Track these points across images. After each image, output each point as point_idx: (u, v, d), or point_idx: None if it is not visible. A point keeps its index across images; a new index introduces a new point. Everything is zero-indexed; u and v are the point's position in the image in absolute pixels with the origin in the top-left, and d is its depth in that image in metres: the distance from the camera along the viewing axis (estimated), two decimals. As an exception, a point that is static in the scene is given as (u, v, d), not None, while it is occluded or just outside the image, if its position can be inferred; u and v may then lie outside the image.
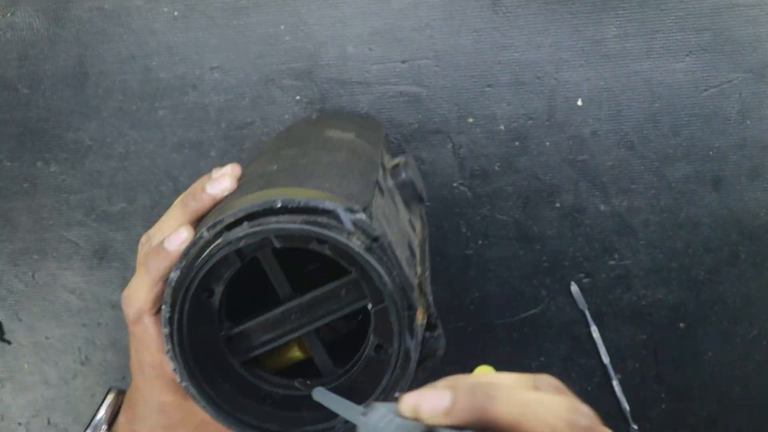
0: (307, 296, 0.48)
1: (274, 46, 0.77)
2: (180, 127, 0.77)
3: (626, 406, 0.78)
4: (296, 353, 0.52)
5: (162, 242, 0.49)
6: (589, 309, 0.78)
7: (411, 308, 0.46)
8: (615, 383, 0.78)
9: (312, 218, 0.44)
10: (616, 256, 0.78)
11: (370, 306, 0.47)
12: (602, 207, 0.78)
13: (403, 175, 0.63)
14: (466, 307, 0.79)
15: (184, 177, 0.77)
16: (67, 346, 0.79)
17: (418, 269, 0.54)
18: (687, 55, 0.77)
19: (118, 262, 0.78)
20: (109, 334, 0.79)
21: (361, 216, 0.45)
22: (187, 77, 0.77)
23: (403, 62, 0.77)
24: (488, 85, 0.77)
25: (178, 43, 0.77)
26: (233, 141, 0.77)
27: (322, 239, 0.44)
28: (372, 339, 0.47)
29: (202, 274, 0.46)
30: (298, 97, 0.77)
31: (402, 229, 0.55)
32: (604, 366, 0.78)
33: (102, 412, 0.56)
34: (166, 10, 0.77)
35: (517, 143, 0.77)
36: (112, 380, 0.79)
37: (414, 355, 0.47)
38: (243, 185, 0.53)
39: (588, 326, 0.78)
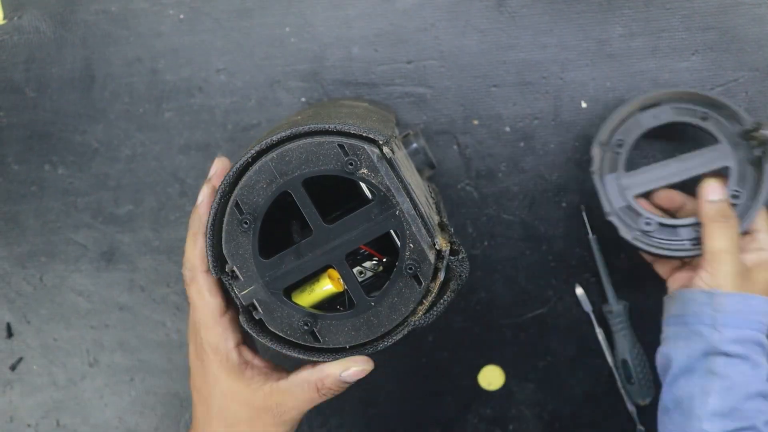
0: (335, 223, 0.51)
1: (279, 48, 0.77)
2: (186, 129, 0.78)
3: (632, 407, 0.78)
4: (328, 286, 0.54)
5: (195, 204, 0.54)
6: (594, 311, 0.78)
7: (430, 234, 0.50)
8: (621, 384, 0.78)
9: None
10: (623, 255, 0.78)
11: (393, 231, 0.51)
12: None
13: (415, 144, 0.68)
14: (472, 307, 0.79)
15: (191, 179, 0.78)
16: (75, 348, 0.79)
17: (441, 215, 0.57)
18: (693, 54, 0.77)
19: (126, 264, 0.79)
20: (117, 335, 0.79)
21: (388, 149, 0.50)
22: (193, 79, 0.77)
23: (409, 63, 0.77)
24: (494, 86, 0.77)
25: (184, 46, 0.77)
26: (240, 142, 0.78)
27: (351, 152, 0.49)
28: (399, 261, 0.50)
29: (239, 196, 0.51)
30: (303, 99, 0.77)
31: (418, 181, 0.58)
32: (611, 366, 0.78)
33: None
34: (171, 12, 0.77)
35: (522, 143, 0.77)
36: (120, 382, 0.79)
37: (440, 275, 0.50)
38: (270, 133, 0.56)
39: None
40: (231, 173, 0.51)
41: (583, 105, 0.77)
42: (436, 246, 0.50)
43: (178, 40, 0.77)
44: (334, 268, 0.52)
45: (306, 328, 0.51)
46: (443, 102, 0.77)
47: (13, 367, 0.80)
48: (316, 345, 0.52)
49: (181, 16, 0.77)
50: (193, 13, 0.77)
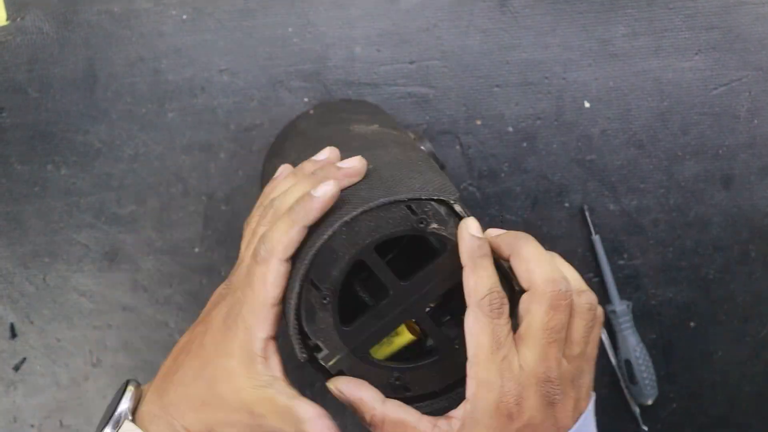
0: (411, 280, 0.50)
1: (282, 48, 0.77)
2: (189, 129, 0.78)
3: (636, 407, 0.78)
4: (407, 336, 0.53)
5: (309, 192, 0.50)
6: (598, 309, 0.78)
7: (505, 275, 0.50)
8: (624, 384, 0.78)
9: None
10: (626, 255, 0.78)
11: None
12: (611, 206, 0.78)
13: (423, 148, 0.67)
14: (475, 307, 0.79)
15: (194, 179, 0.78)
16: (78, 348, 0.79)
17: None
18: (696, 53, 0.77)
19: (129, 264, 0.79)
20: (120, 336, 0.79)
21: (459, 208, 0.50)
22: (196, 79, 0.77)
23: (411, 63, 0.77)
24: (496, 86, 0.77)
25: (187, 46, 0.77)
26: (242, 143, 0.78)
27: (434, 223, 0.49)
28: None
29: (343, 261, 0.49)
30: (306, 99, 0.77)
31: None
32: (614, 366, 0.78)
33: (125, 404, 0.53)
34: (174, 12, 0.77)
35: (525, 144, 0.77)
36: (123, 382, 0.79)
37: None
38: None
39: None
40: (308, 259, 0.49)
41: (586, 105, 0.77)
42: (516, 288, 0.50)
43: (181, 40, 0.77)
44: (416, 323, 0.52)
45: (398, 383, 0.51)
46: (446, 102, 0.77)
47: (16, 368, 0.80)
48: (407, 395, 0.51)
49: (184, 17, 0.77)
50: (196, 14, 0.77)
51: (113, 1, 0.77)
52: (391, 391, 0.51)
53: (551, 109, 0.77)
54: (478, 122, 0.77)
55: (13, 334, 0.80)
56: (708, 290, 0.78)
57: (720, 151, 0.77)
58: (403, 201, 0.49)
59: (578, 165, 0.77)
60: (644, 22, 0.76)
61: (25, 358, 0.80)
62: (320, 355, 0.50)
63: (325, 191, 0.49)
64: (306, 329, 0.50)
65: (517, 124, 0.77)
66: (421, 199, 0.49)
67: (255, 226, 0.53)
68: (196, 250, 0.78)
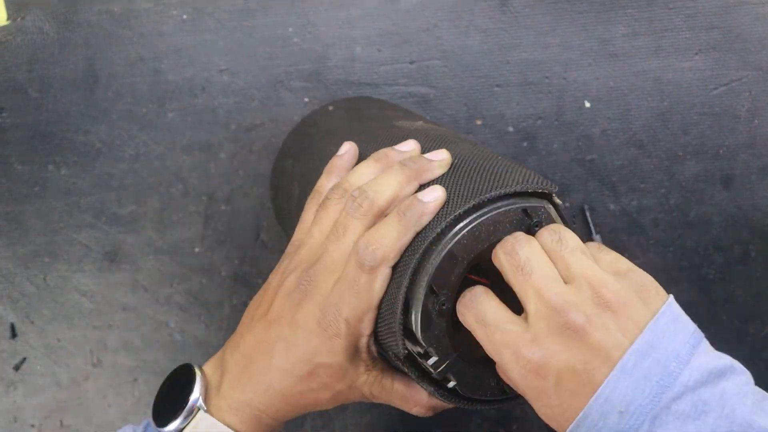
0: None
1: (282, 48, 0.77)
2: (189, 129, 0.78)
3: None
4: None
5: (416, 195, 0.50)
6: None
7: None
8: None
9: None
10: (626, 255, 0.78)
11: None
12: (612, 206, 0.78)
13: None
14: (475, 307, 0.79)
15: (194, 179, 0.78)
16: (79, 348, 0.79)
17: None
18: (696, 53, 0.77)
19: (129, 264, 0.79)
20: (121, 336, 0.79)
21: (558, 200, 0.51)
22: (196, 79, 0.77)
23: (411, 63, 0.77)
24: (497, 86, 0.77)
25: (187, 46, 0.77)
26: (242, 143, 0.78)
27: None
28: None
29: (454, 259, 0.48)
30: (306, 99, 0.77)
31: None
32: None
33: (196, 393, 0.52)
34: (174, 13, 0.77)
35: (525, 143, 0.77)
36: (123, 382, 0.79)
37: None
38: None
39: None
40: (434, 266, 0.48)
41: (587, 105, 0.77)
42: None
43: (181, 40, 0.77)
44: None
45: (500, 385, 0.51)
46: (446, 102, 0.77)
47: (16, 368, 0.80)
48: (504, 397, 0.52)
49: (184, 17, 0.77)
50: (196, 14, 0.77)
51: (113, 1, 0.77)
52: (491, 393, 0.51)
53: (551, 108, 0.77)
54: (479, 122, 0.77)
55: (14, 334, 0.80)
56: (709, 290, 0.78)
57: (720, 151, 0.77)
58: (520, 204, 0.49)
59: (579, 165, 0.77)
60: (644, 22, 0.76)
61: (25, 358, 0.80)
62: (430, 362, 0.49)
63: (437, 197, 0.50)
64: (421, 337, 0.49)
65: (517, 124, 0.77)
66: (527, 193, 0.49)
67: (343, 217, 0.52)
68: (196, 250, 0.78)
